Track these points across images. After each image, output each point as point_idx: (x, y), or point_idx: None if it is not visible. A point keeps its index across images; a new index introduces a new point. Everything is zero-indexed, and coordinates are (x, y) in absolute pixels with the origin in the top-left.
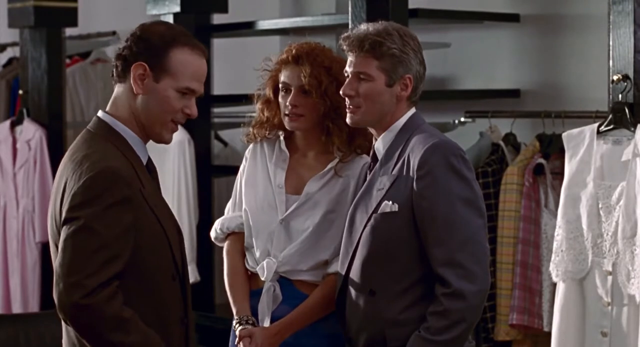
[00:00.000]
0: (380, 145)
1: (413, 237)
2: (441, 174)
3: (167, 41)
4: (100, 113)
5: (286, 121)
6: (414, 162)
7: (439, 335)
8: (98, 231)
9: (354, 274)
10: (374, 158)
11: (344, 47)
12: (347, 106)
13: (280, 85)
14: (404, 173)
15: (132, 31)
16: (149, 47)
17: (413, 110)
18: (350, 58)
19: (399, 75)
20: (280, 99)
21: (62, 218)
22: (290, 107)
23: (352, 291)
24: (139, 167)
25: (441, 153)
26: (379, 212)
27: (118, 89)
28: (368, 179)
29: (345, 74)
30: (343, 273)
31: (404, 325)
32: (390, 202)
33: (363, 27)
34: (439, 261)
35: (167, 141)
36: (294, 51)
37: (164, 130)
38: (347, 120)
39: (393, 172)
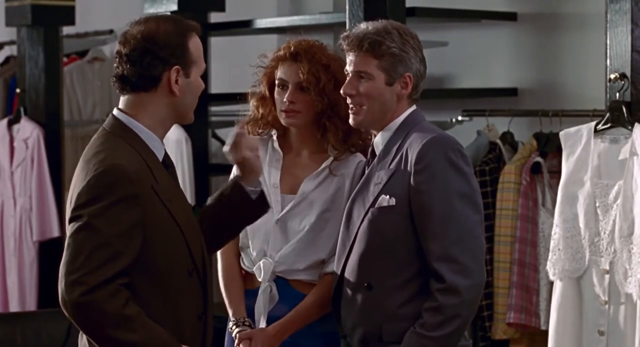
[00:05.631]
0: (379, 140)
1: (410, 232)
2: (439, 169)
3: (182, 35)
4: (115, 111)
5: (282, 117)
6: (412, 157)
7: (434, 331)
8: (99, 229)
9: (351, 268)
10: (372, 153)
11: (344, 47)
12: (350, 107)
13: (276, 82)
14: (402, 167)
15: (139, 38)
16: (174, 48)
17: (414, 107)
18: (350, 57)
19: (398, 74)
20: (276, 96)
21: (69, 217)
22: (287, 103)
23: (349, 285)
24: (154, 164)
25: (439, 147)
26: (376, 206)
27: (137, 97)
28: (366, 173)
29: (346, 73)
30: (340, 268)
31: (401, 320)
32: (388, 196)
33: (362, 26)
34: (435, 255)
35: (193, 119)
36: (292, 48)
37: (192, 113)
38: (350, 121)
39: (391, 167)
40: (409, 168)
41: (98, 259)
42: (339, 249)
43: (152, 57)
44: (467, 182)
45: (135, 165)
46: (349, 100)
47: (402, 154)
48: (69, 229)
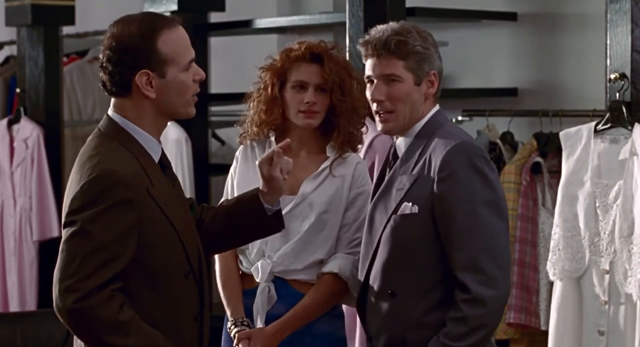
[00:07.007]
0: (401, 143)
1: (433, 239)
2: (464, 176)
3: (148, 37)
4: (110, 112)
5: (300, 117)
6: (436, 163)
7: (458, 341)
8: (93, 234)
9: (375, 275)
10: (395, 156)
11: (364, 53)
12: (378, 113)
13: (291, 83)
14: (425, 173)
15: (106, 45)
16: (138, 53)
17: (437, 107)
18: (372, 62)
19: (424, 72)
20: (290, 96)
21: (63, 222)
22: (308, 104)
23: (373, 292)
24: (149, 166)
25: (464, 154)
26: (398, 213)
27: (121, 101)
28: (387, 176)
29: (367, 80)
30: (364, 274)
31: (425, 328)
32: (410, 203)
33: (378, 29)
34: (459, 265)
35: (194, 113)
36: (312, 49)
37: (189, 108)
38: (379, 128)
39: (413, 172)
40: (432, 175)
41: (91, 265)
42: (362, 254)
43: (116, 64)
44: (492, 189)
45: (130, 169)
46: (375, 107)
47: (425, 160)
48: (64, 234)
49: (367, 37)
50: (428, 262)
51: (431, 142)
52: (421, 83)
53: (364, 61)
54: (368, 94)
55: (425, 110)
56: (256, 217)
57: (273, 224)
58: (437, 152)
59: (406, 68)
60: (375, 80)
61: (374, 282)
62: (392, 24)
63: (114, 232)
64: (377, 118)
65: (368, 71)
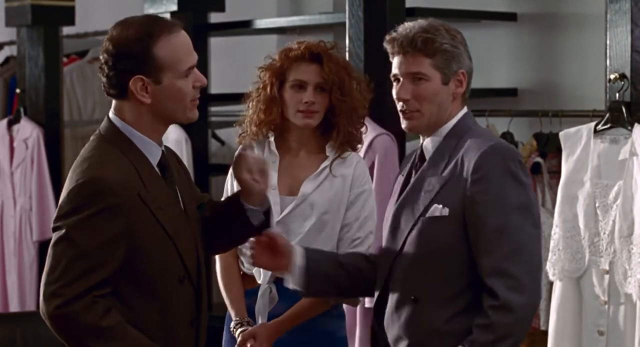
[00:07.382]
0: (429, 144)
1: (462, 244)
2: (497, 179)
3: (145, 42)
4: (110, 114)
5: (299, 117)
6: (469, 165)
7: None
8: (77, 241)
9: (397, 279)
10: (422, 157)
11: (391, 50)
12: (402, 112)
13: (290, 82)
14: (457, 176)
15: (104, 48)
16: (133, 58)
17: (465, 109)
18: (398, 60)
19: (453, 71)
20: (289, 96)
21: (52, 227)
22: (307, 103)
23: (394, 297)
24: (145, 170)
25: (499, 157)
26: (427, 215)
27: (120, 103)
28: (414, 178)
29: (393, 79)
30: (384, 276)
31: (448, 336)
32: (441, 205)
33: (406, 26)
34: (488, 270)
35: (195, 117)
36: (312, 49)
37: (188, 112)
38: (404, 126)
39: (444, 174)
40: (464, 176)
41: (75, 271)
42: (382, 258)
43: (112, 68)
44: (525, 194)
45: (122, 174)
46: (400, 106)
47: (456, 161)
48: (52, 238)
49: (393, 34)
50: (455, 267)
51: (462, 143)
52: (449, 82)
53: (390, 59)
54: (394, 92)
55: (454, 111)
56: (236, 217)
57: (258, 224)
58: (470, 154)
59: (433, 66)
60: (401, 79)
61: (395, 286)
62: (420, 21)
63: (99, 239)
64: (401, 116)
65: (394, 69)
